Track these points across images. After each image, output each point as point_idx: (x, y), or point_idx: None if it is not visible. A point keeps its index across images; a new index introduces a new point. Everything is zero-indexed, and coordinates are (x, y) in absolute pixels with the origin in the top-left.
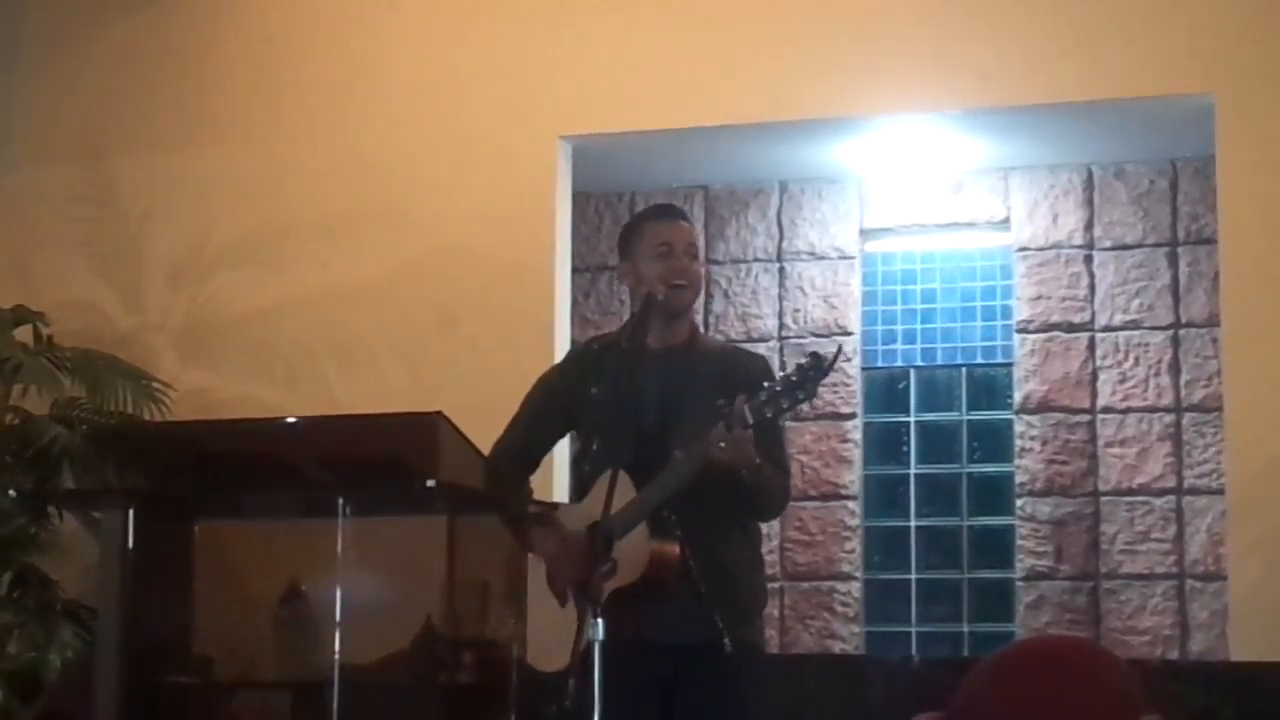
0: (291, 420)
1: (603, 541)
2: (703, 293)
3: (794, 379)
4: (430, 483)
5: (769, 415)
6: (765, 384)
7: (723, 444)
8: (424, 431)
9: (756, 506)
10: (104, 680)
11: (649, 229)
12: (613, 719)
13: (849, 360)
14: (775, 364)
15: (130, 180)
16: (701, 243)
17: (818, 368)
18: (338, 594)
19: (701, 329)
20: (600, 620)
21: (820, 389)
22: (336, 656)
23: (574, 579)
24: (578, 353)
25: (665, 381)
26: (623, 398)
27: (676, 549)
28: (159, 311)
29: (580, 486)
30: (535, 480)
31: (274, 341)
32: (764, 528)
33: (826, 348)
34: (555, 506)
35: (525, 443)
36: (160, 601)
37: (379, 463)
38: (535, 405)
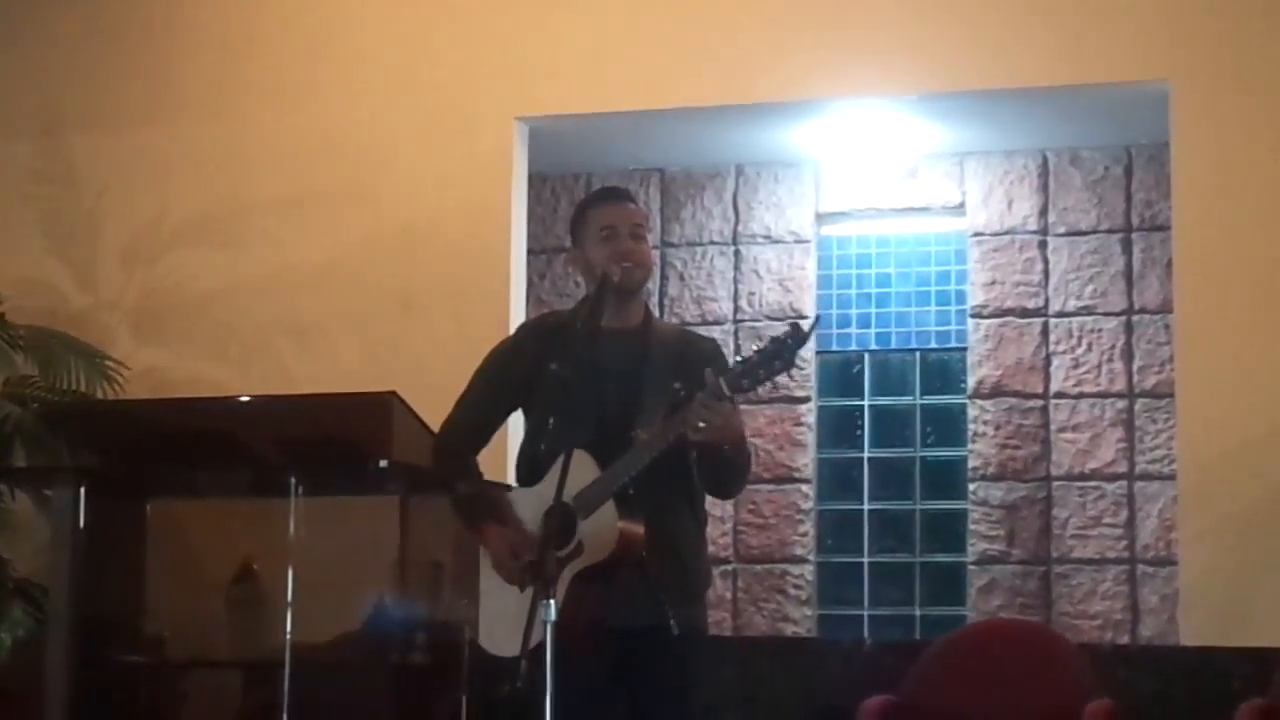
0: (245, 399)
1: (561, 523)
2: (657, 275)
3: (770, 349)
4: (383, 463)
5: (746, 386)
6: (742, 356)
7: (702, 424)
8: (377, 412)
9: (729, 482)
10: (55, 658)
11: (593, 213)
12: (563, 699)
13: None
14: (730, 347)
15: (86, 158)
16: (656, 225)
17: (796, 338)
18: (289, 573)
19: (656, 312)
20: (552, 602)
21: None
22: (288, 636)
23: (525, 567)
24: (532, 328)
25: (620, 363)
26: (580, 377)
27: (642, 529)
28: (113, 290)
29: (532, 464)
30: (484, 459)
31: (229, 321)
32: (717, 510)
33: (781, 331)
34: (508, 488)
35: (476, 418)
36: (112, 580)
37: (332, 442)
38: (487, 380)
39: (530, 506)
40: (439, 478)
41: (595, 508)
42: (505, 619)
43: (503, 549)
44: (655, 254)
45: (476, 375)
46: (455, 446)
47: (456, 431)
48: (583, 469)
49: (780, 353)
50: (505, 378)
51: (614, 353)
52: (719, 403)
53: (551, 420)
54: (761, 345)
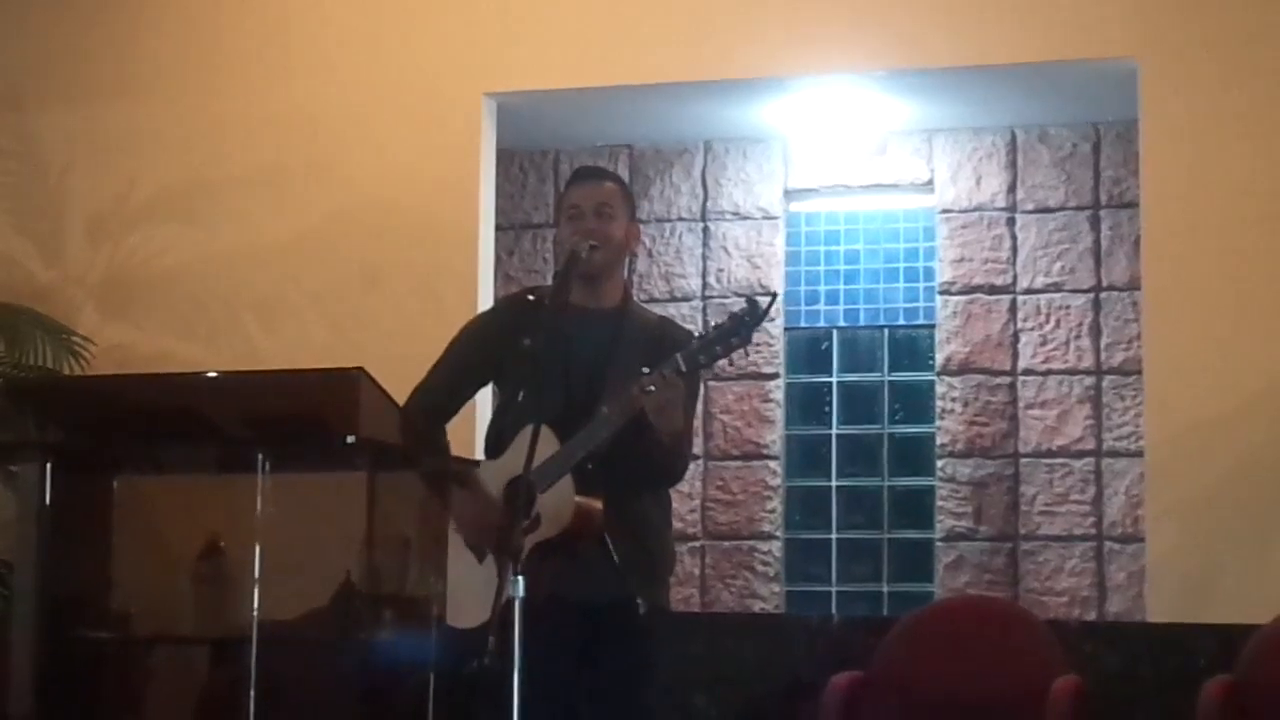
0: (212, 375)
1: (524, 496)
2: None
3: (728, 325)
4: (350, 439)
5: (703, 361)
6: (698, 334)
7: (651, 388)
8: (345, 387)
9: (665, 470)
10: (21, 635)
11: (566, 193)
12: (529, 674)
13: (773, 320)
14: (698, 323)
15: (51, 133)
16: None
17: (753, 314)
18: (257, 550)
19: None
20: (521, 577)
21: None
22: (255, 613)
23: (493, 535)
24: (509, 302)
25: (594, 343)
26: (551, 354)
27: (600, 505)
28: (79, 265)
29: (499, 438)
30: (454, 432)
31: (196, 297)
32: (684, 486)
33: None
34: (476, 463)
35: (447, 390)
36: (78, 556)
37: (299, 418)
38: (460, 352)
39: (494, 479)
40: (406, 445)
41: (553, 481)
42: (470, 593)
43: (466, 515)
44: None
45: (450, 347)
46: (422, 415)
47: (425, 401)
48: (545, 443)
49: (737, 329)
50: (476, 351)
51: (586, 332)
52: (675, 377)
53: (520, 395)
54: (720, 322)
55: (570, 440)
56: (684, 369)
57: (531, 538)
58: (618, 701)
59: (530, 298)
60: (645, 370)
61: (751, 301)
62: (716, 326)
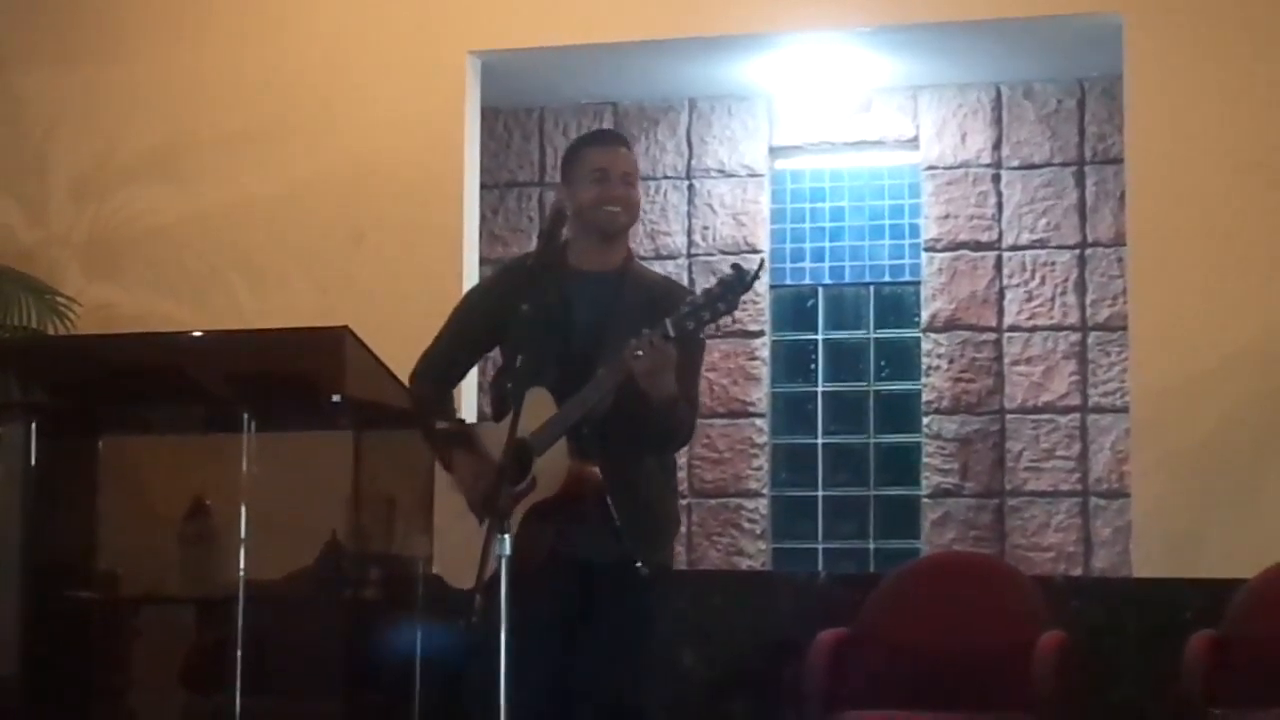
0: (196, 334)
1: (519, 458)
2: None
3: (715, 291)
4: (336, 398)
5: (690, 327)
6: (688, 298)
7: (640, 353)
8: (330, 346)
9: (661, 437)
10: (7, 596)
11: (587, 154)
12: (524, 634)
13: (759, 279)
14: (684, 280)
15: (35, 93)
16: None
17: (740, 280)
18: (242, 509)
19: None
20: (507, 536)
21: None
22: (241, 572)
23: (482, 492)
24: (509, 267)
25: (594, 305)
26: (550, 317)
27: (595, 469)
28: (64, 225)
29: (499, 402)
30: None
31: (180, 256)
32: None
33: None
34: (475, 426)
35: (450, 357)
36: (64, 517)
37: (285, 378)
38: (461, 319)
39: (494, 442)
40: (413, 411)
41: (550, 444)
42: (470, 554)
43: (466, 475)
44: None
45: (453, 315)
46: (428, 380)
47: (430, 369)
48: (544, 407)
49: (724, 295)
50: (478, 316)
51: (587, 294)
52: (663, 342)
53: (519, 359)
54: (709, 287)
55: (566, 404)
56: (671, 334)
57: (529, 499)
58: (614, 660)
59: (529, 262)
60: (645, 331)
61: (738, 267)
62: (704, 291)
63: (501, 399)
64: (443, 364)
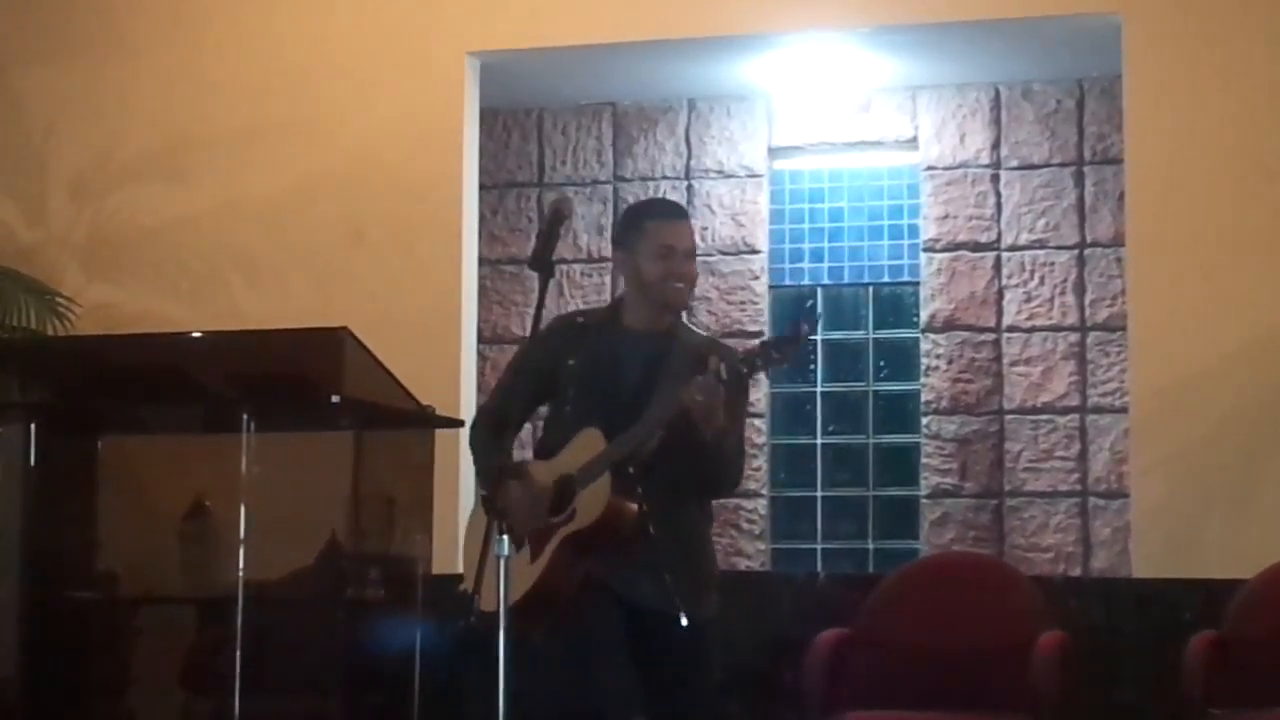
0: (196, 335)
1: (563, 490)
2: (610, 212)
3: (771, 344)
4: (335, 398)
5: (744, 371)
6: (742, 350)
7: (700, 397)
8: (329, 347)
9: (713, 475)
10: (6, 595)
11: (652, 229)
12: (553, 660)
13: (756, 279)
14: None
15: (34, 93)
16: (609, 160)
17: (794, 338)
18: (242, 509)
19: (604, 245)
20: (505, 537)
21: (728, 307)
22: (241, 572)
23: (541, 524)
24: (559, 326)
25: (643, 360)
26: (599, 370)
27: (634, 506)
28: (63, 225)
29: (549, 447)
30: None
31: (180, 256)
32: None
33: (734, 265)
34: (527, 462)
35: (504, 405)
36: (64, 516)
37: (284, 378)
38: (515, 371)
39: (544, 477)
40: (473, 455)
41: (594, 479)
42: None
43: (516, 503)
44: (608, 189)
45: (507, 368)
46: (483, 429)
47: (486, 416)
48: (593, 444)
49: (779, 345)
50: (530, 370)
51: (637, 351)
52: (714, 381)
53: (567, 409)
54: (766, 339)
55: (614, 440)
56: (724, 376)
57: (566, 529)
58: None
59: (580, 320)
60: (706, 372)
61: (794, 323)
62: (763, 343)
63: (549, 448)
64: (498, 415)
